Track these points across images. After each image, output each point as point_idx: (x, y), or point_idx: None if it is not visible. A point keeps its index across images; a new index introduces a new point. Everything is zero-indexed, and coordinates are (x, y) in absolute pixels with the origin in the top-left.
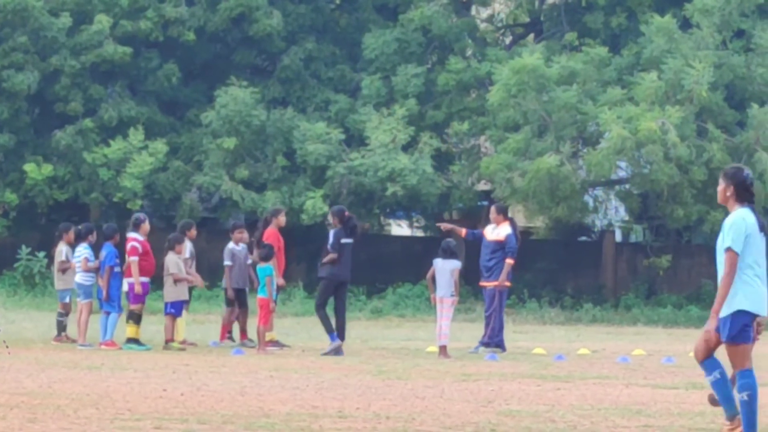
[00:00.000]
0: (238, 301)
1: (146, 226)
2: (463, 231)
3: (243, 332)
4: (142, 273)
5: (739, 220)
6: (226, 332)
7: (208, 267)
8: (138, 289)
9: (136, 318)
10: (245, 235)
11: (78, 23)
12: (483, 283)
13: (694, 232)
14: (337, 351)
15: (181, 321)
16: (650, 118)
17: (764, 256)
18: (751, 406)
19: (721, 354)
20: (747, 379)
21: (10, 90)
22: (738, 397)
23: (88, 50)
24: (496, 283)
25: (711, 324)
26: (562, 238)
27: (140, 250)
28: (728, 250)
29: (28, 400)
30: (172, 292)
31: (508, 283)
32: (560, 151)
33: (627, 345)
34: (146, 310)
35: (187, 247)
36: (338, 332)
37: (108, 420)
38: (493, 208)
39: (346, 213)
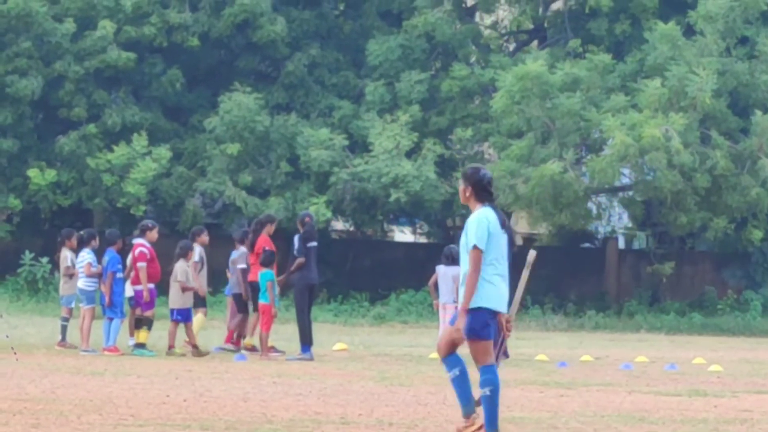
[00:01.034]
0: (239, 306)
1: (154, 233)
2: None
3: (239, 338)
4: (148, 279)
5: (483, 219)
6: (235, 338)
7: (211, 273)
8: (146, 296)
9: (149, 324)
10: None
11: (82, 29)
12: None
13: (698, 239)
14: (304, 359)
15: (196, 324)
16: (654, 125)
17: (505, 254)
18: (493, 401)
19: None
20: (489, 374)
21: (13, 95)
22: (480, 393)
23: (91, 56)
24: None
25: (460, 322)
26: (565, 245)
27: (148, 256)
28: (474, 248)
29: (31, 406)
30: (178, 300)
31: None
32: (564, 158)
33: (630, 352)
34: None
35: (197, 251)
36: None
37: (111, 426)
38: None
39: (307, 218)
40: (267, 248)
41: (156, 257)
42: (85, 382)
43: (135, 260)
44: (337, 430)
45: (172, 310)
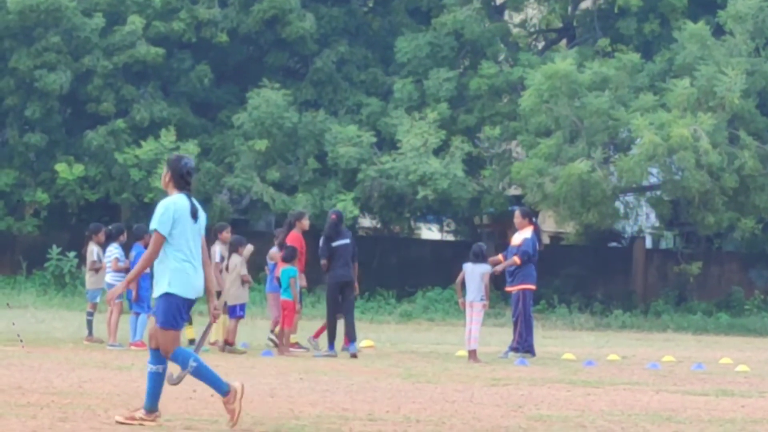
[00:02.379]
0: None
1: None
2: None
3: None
4: None
5: (170, 204)
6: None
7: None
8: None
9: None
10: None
11: (111, 24)
12: (508, 289)
13: (725, 239)
14: (327, 355)
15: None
16: (682, 125)
17: (197, 241)
18: (201, 371)
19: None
20: (181, 356)
21: (42, 90)
22: (189, 369)
23: (120, 51)
24: (522, 286)
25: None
26: (592, 244)
27: None
28: (155, 232)
29: (58, 400)
30: (239, 295)
31: (532, 287)
32: (592, 157)
33: (656, 351)
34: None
35: (217, 250)
36: (347, 332)
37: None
38: (517, 212)
39: (332, 216)
40: (289, 244)
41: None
42: (112, 376)
43: None
44: (364, 427)
45: (233, 307)
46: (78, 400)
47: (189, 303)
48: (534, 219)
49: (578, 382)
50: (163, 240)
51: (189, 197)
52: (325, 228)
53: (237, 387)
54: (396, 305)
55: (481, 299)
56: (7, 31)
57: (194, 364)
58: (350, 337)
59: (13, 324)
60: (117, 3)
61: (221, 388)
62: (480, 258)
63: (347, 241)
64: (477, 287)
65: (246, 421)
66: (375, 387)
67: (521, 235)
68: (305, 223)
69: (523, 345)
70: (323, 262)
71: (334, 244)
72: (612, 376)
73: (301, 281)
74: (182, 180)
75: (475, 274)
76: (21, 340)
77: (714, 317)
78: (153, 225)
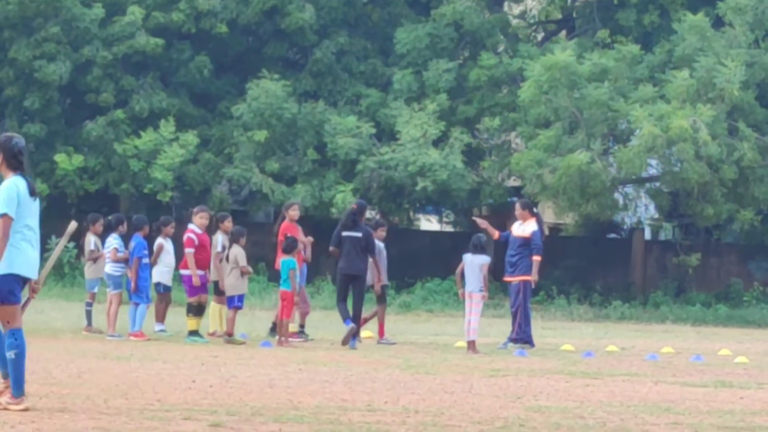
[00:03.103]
0: (379, 297)
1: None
2: (497, 233)
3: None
4: (200, 266)
5: (12, 186)
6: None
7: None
8: (196, 281)
9: (194, 310)
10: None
11: (110, 14)
12: (507, 279)
13: (724, 231)
14: (352, 334)
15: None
16: (681, 116)
17: (37, 221)
18: (18, 364)
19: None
20: (15, 338)
21: (41, 80)
22: (7, 355)
23: (120, 41)
24: (523, 277)
25: None
26: (591, 235)
27: (196, 242)
28: (3, 215)
29: (57, 390)
30: (238, 285)
31: (532, 278)
32: (591, 148)
33: (655, 343)
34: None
35: (219, 240)
36: (353, 321)
37: (137, 410)
38: (518, 204)
39: (353, 206)
40: (289, 235)
41: (208, 244)
42: (112, 366)
43: (184, 246)
44: (363, 417)
45: (231, 297)
46: (77, 390)
47: (25, 280)
48: (535, 209)
49: (577, 373)
50: (11, 222)
51: (24, 177)
52: (342, 217)
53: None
54: (395, 296)
55: (480, 290)
56: (7, 21)
57: (15, 354)
58: (354, 331)
59: None
60: None
61: (18, 389)
62: (479, 249)
63: (359, 234)
64: (476, 278)
65: (245, 411)
66: (374, 378)
67: (527, 227)
68: (293, 213)
69: (522, 336)
70: (331, 248)
71: (344, 233)
72: (611, 367)
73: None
74: (14, 160)
75: (474, 265)
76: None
77: (713, 309)
78: (2, 209)
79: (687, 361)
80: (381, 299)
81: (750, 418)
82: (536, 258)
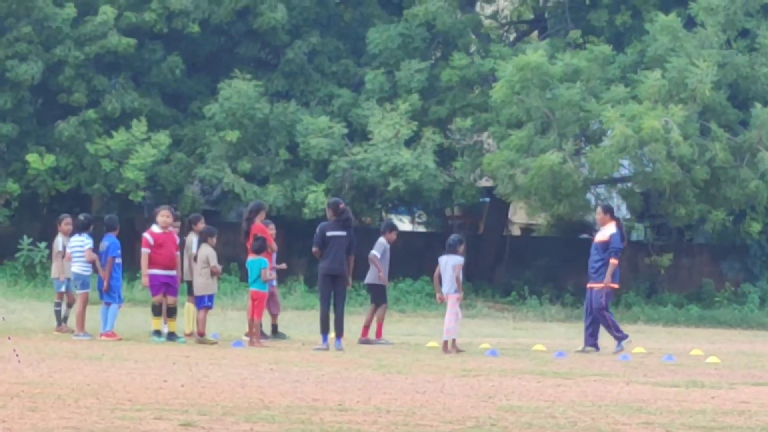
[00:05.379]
0: (378, 297)
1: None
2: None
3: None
4: (159, 266)
5: None
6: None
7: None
8: (144, 281)
9: (157, 310)
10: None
11: (82, 14)
12: (590, 285)
13: (696, 231)
14: (320, 349)
15: (187, 313)
16: (653, 117)
17: None
18: None
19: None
20: None
21: (13, 80)
22: None
23: (92, 41)
24: (602, 284)
25: None
26: (563, 236)
27: (151, 242)
28: None
29: (28, 390)
30: (208, 285)
31: (615, 285)
32: (563, 149)
33: (627, 343)
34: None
35: (194, 241)
36: (335, 327)
37: (108, 410)
38: (599, 209)
39: (341, 206)
40: (259, 234)
41: (172, 243)
42: (83, 366)
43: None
44: (334, 417)
45: (201, 297)
46: (48, 390)
47: None
48: (615, 214)
49: (549, 373)
50: None
51: None
52: (336, 217)
53: None
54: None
55: (455, 291)
56: None
57: None
58: (337, 332)
59: (3, 319)
60: None
61: None
62: (451, 250)
63: (343, 233)
64: (449, 278)
65: (216, 411)
66: (345, 377)
67: (606, 231)
68: (263, 215)
69: (619, 335)
70: (314, 249)
71: (330, 234)
72: (582, 367)
73: (271, 274)
74: None
75: (447, 265)
76: (9, 338)
77: (684, 309)
78: None
79: (659, 361)
80: (382, 299)
81: (721, 418)
82: (613, 261)
